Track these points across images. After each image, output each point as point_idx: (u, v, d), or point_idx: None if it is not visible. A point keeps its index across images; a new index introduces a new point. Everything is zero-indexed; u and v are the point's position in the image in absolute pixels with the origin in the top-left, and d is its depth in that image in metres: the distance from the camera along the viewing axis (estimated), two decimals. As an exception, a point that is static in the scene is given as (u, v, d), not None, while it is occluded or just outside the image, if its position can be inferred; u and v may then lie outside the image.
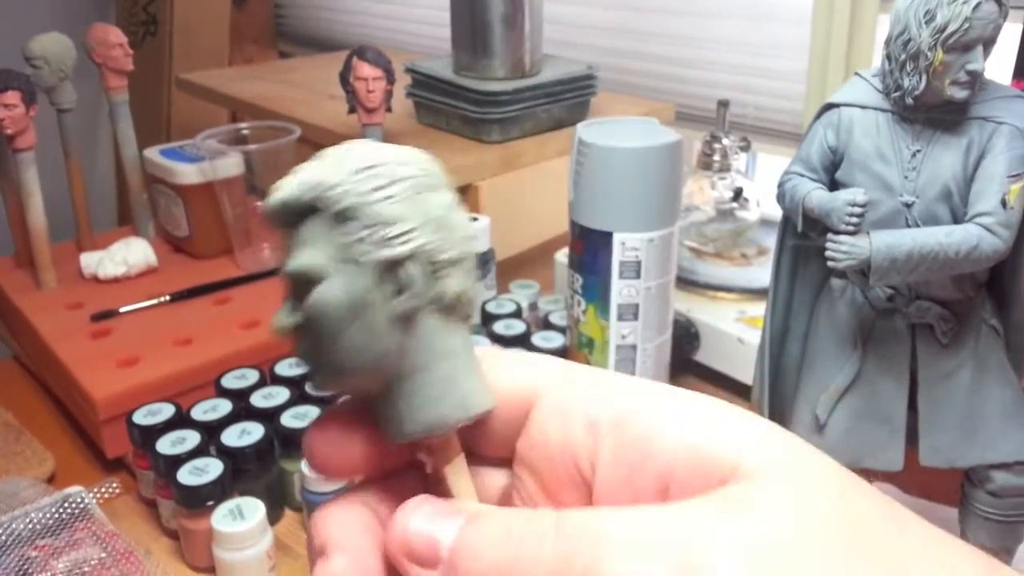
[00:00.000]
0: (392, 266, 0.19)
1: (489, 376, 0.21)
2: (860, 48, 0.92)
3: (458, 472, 0.21)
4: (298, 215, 0.20)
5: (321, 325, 0.20)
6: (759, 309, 0.79)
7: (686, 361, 0.77)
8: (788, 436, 0.19)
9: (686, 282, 0.81)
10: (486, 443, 0.22)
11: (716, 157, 0.86)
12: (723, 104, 0.85)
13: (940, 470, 0.48)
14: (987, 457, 0.47)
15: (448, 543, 0.19)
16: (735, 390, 0.76)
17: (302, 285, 0.20)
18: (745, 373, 0.72)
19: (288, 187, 0.20)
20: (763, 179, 1.12)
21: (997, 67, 0.70)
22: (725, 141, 0.85)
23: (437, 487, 0.21)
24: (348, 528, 0.21)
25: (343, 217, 0.19)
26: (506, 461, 0.22)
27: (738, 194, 0.86)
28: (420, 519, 0.19)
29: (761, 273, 0.81)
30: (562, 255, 0.87)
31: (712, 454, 0.18)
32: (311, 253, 0.19)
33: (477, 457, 0.22)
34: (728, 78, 1.06)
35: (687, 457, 0.18)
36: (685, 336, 0.76)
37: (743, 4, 1.03)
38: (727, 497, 0.17)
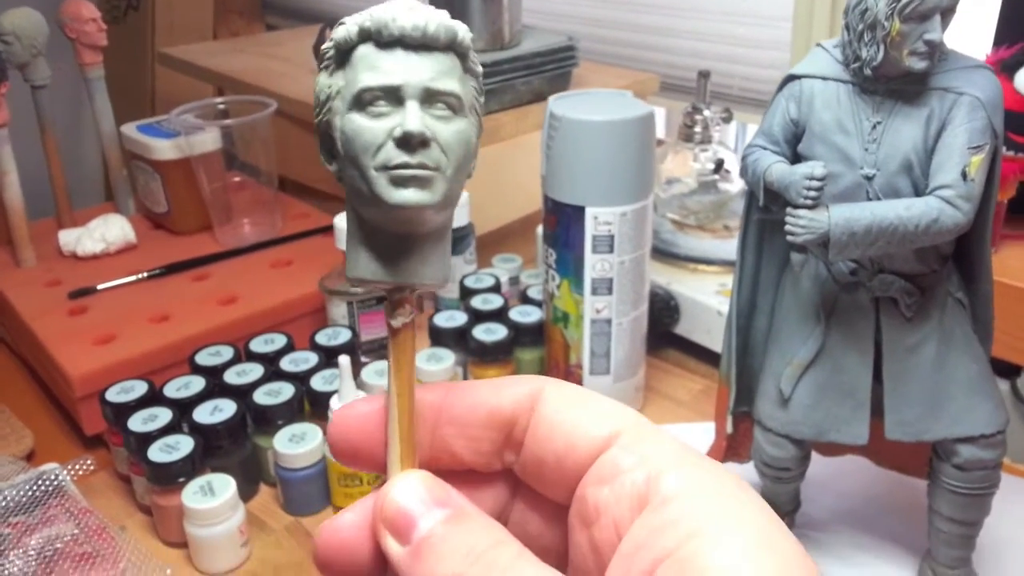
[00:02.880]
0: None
1: (568, 411, 0.22)
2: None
3: (402, 344, 0.22)
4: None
5: (461, 153, 0.21)
6: (738, 281, 0.79)
7: (665, 333, 0.77)
8: None
9: (667, 255, 0.81)
10: (548, 482, 0.22)
11: (697, 129, 0.85)
12: (703, 75, 0.84)
13: (909, 443, 0.48)
14: (953, 431, 0.47)
15: (423, 531, 0.19)
16: (713, 362, 0.75)
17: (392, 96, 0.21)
18: (722, 346, 0.72)
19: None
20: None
21: (978, 35, 0.69)
22: (706, 112, 0.85)
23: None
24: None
25: (471, 69, 0.22)
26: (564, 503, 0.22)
27: (719, 166, 0.85)
28: (410, 496, 0.20)
29: (741, 245, 0.81)
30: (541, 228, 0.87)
31: None
32: (455, 84, 0.21)
33: (534, 497, 0.23)
34: (713, 48, 1.05)
35: None
36: (665, 309, 0.76)
37: (728, -29, 1.01)
38: None
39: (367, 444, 0.22)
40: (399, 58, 0.21)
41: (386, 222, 0.22)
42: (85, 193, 0.93)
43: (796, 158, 0.47)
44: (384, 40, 0.21)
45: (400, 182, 0.21)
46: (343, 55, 0.21)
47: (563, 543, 0.22)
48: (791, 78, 0.46)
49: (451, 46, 0.21)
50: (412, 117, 0.20)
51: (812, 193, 0.42)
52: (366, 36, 0.21)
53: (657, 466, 0.19)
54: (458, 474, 0.23)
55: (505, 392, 0.22)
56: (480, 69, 0.22)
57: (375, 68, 0.20)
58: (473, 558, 0.19)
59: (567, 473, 0.21)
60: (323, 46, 0.22)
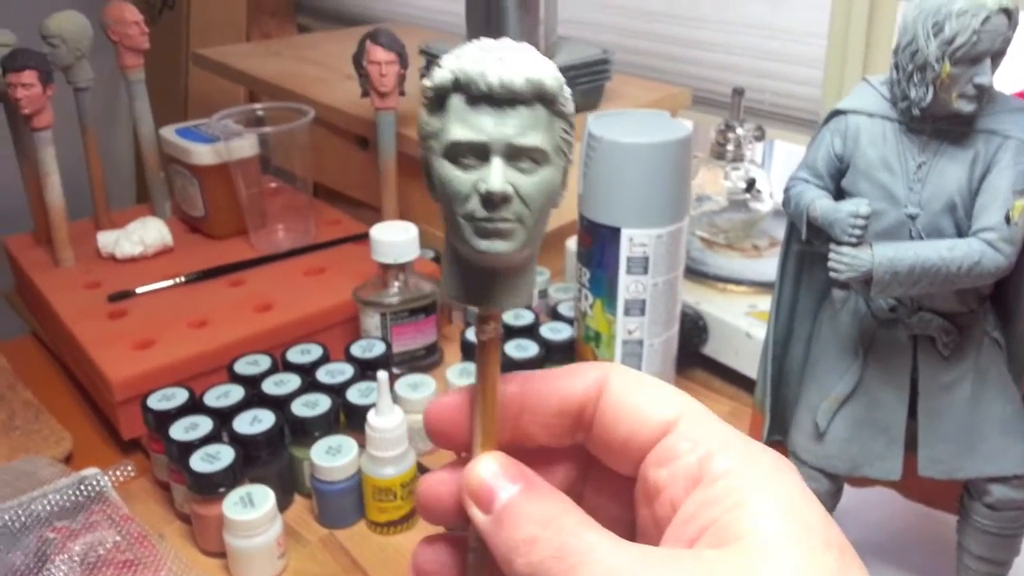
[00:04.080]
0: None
1: (630, 397, 0.25)
2: (879, 36, 0.91)
3: (488, 352, 0.25)
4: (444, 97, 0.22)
5: (540, 203, 0.23)
6: (768, 303, 0.79)
7: (694, 354, 0.78)
8: None
9: (696, 273, 0.81)
10: (617, 457, 0.25)
11: (730, 147, 0.85)
12: (738, 92, 0.84)
13: (940, 480, 0.48)
14: (985, 470, 0.47)
15: (502, 502, 0.23)
16: (741, 384, 0.76)
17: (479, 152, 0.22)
18: (752, 367, 0.72)
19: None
20: (779, 166, 1.12)
21: (1010, 74, 0.69)
22: (739, 130, 0.85)
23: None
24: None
25: (560, 111, 0.23)
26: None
27: (751, 185, 0.86)
28: (490, 473, 0.24)
29: (772, 266, 0.80)
30: (572, 242, 0.87)
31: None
32: (540, 137, 0.22)
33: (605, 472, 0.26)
34: (745, 62, 1.05)
35: None
36: (693, 329, 0.77)
37: (763, -13, 1.01)
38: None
39: (455, 429, 0.26)
40: (486, 115, 0.22)
41: (473, 259, 0.23)
42: (117, 194, 0.94)
43: (839, 193, 0.47)
44: (473, 95, 0.21)
45: (483, 234, 0.22)
46: (439, 99, 0.22)
47: (632, 515, 0.25)
48: (837, 113, 0.46)
49: (537, 97, 0.22)
50: (495, 177, 0.22)
51: (857, 231, 0.43)
52: (458, 87, 0.22)
53: (708, 449, 0.22)
54: (534, 454, 0.26)
55: (574, 381, 0.25)
56: (571, 108, 0.23)
57: (464, 123, 0.22)
58: (545, 523, 0.21)
59: (632, 453, 0.24)
60: (424, 82, 0.23)
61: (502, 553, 0.22)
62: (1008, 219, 0.42)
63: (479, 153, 0.22)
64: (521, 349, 0.71)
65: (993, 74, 0.41)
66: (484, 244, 0.22)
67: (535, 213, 0.22)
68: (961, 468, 0.47)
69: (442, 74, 0.22)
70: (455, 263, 0.24)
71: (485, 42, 0.22)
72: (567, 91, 0.23)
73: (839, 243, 0.44)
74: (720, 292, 0.79)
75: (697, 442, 0.23)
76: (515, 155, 0.22)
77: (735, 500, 0.21)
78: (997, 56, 0.41)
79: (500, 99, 0.21)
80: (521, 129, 0.22)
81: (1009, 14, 0.39)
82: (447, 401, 0.26)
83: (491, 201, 0.22)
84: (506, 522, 0.22)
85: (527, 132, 0.22)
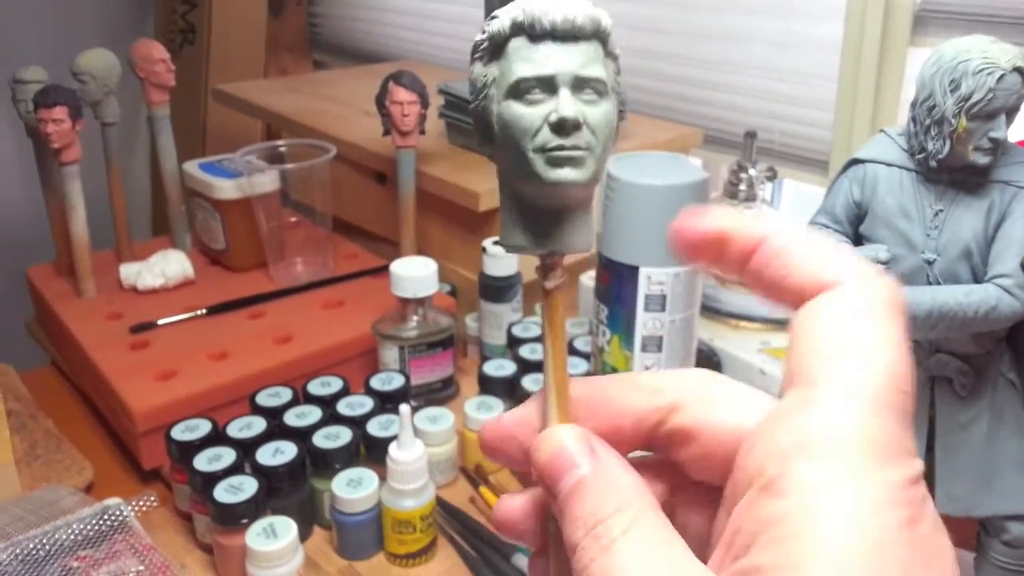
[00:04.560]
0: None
1: (721, 406, 0.23)
2: (889, 79, 0.93)
3: (555, 302, 0.25)
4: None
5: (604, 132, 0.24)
6: (782, 340, 0.80)
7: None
8: None
9: (709, 310, 0.82)
10: (701, 467, 0.24)
11: (742, 187, 0.87)
12: (750, 135, 0.86)
13: (957, 517, 0.49)
14: (1002, 508, 0.48)
15: (577, 475, 0.22)
16: (754, 420, 0.77)
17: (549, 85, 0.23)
18: (765, 404, 0.73)
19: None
20: (787, 205, 1.13)
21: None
22: (752, 171, 0.87)
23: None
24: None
25: (612, 52, 0.24)
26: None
27: (763, 224, 0.87)
28: (566, 441, 0.23)
29: (784, 303, 0.82)
30: (587, 277, 0.89)
31: None
32: (601, 69, 0.23)
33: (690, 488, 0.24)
34: (756, 103, 1.07)
35: None
36: (707, 365, 0.78)
37: (772, 30, 1.03)
38: None
39: (508, 447, 0.25)
40: (550, 49, 0.23)
41: (541, 197, 0.24)
42: (133, 226, 0.96)
43: (857, 238, 0.49)
44: (536, 33, 0.23)
45: (556, 163, 0.23)
46: (497, 47, 0.24)
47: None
48: (856, 162, 0.48)
49: (595, 34, 0.23)
50: (566, 104, 0.23)
51: (875, 277, 0.44)
52: (518, 30, 0.23)
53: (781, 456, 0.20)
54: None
55: (650, 400, 0.24)
56: (619, 52, 0.25)
57: (529, 60, 0.23)
58: (615, 500, 0.21)
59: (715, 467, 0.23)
60: (476, 39, 0.24)
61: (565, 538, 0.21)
62: (1023, 266, 0.43)
63: (546, 86, 0.23)
64: (539, 383, 0.72)
65: (1008, 128, 0.42)
66: (557, 173, 0.23)
67: (601, 142, 0.23)
68: (978, 506, 0.48)
69: (500, 22, 0.23)
70: (517, 211, 0.25)
71: None
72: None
73: (858, 287, 0.45)
74: (733, 329, 0.81)
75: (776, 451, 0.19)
76: (580, 86, 0.23)
77: (795, 530, 0.18)
78: (1012, 112, 0.42)
79: (563, 34, 0.23)
80: (584, 62, 0.23)
81: (1022, 72, 0.41)
82: (506, 418, 0.25)
83: (563, 127, 0.23)
84: (579, 492, 0.21)
85: (590, 64, 0.23)
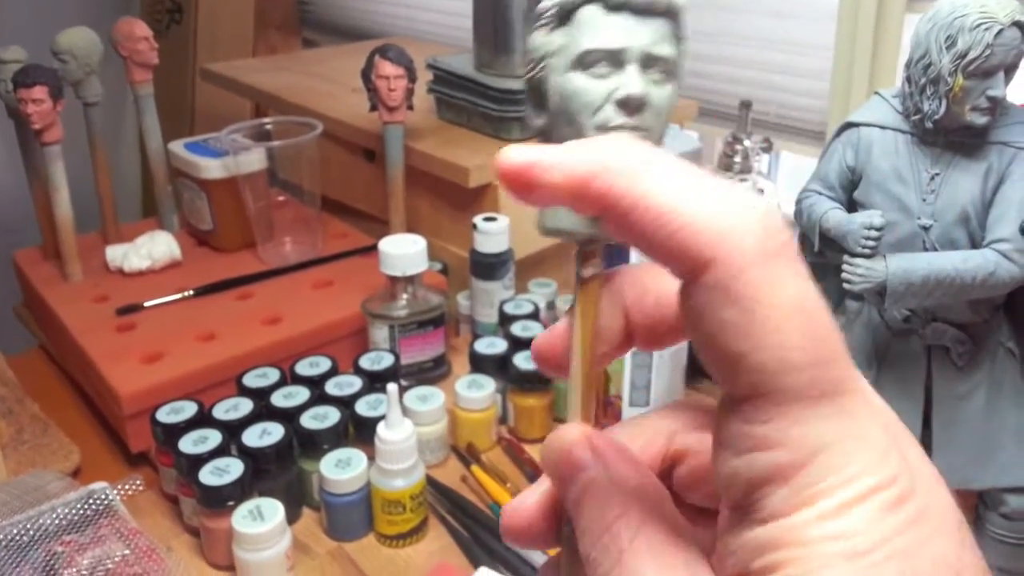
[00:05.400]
0: None
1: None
2: (886, 47, 0.91)
3: (590, 292, 0.23)
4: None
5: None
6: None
7: (704, 371, 0.78)
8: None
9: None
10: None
11: (737, 159, 0.85)
12: (745, 105, 0.85)
13: (956, 491, 0.48)
14: (1001, 480, 0.47)
15: (585, 479, 0.20)
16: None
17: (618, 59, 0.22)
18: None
19: None
20: (785, 177, 1.12)
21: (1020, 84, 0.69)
22: (747, 143, 0.85)
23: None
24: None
25: (682, 34, 0.22)
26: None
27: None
28: (579, 444, 0.21)
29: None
30: (581, 254, 0.87)
31: None
32: (671, 49, 0.22)
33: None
34: (751, 75, 1.05)
35: None
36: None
37: (767, 1, 1.01)
38: None
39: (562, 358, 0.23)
40: (622, 22, 0.21)
41: None
42: (123, 208, 0.95)
43: (851, 204, 0.47)
44: (612, 3, 0.21)
45: None
46: (566, 14, 0.22)
47: None
48: (849, 125, 0.47)
49: (669, 10, 0.22)
50: (634, 81, 0.21)
51: (871, 243, 0.43)
52: None
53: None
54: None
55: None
56: (689, 33, 0.23)
57: (598, 30, 0.21)
58: (618, 505, 0.20)
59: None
60: (543, 4, 0.22)
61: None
62: (1022, 230, 0.42)
63: (614, 60, 0.22)
64: (530, 361, 0.71)
65: (1007, 87, 0.41)
66: None
67: (661, 126, 0.22)
68: (976, 478, 0.47)
69: None
70: None
71: None
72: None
73: (853, 255, 0.44)
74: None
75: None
76: (648, 64, 0.22)
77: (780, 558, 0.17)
78: (1010, 69, 0.41)
79: (639, 7, 0.22)
80: (656, 39, 0.22)
81: (1022, 27, 0.39)
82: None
83: (628, 105, 0.22)
84: (588, 495, 0.20)
85: (660, 42, 0.22)
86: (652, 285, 0.23)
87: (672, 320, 0.22)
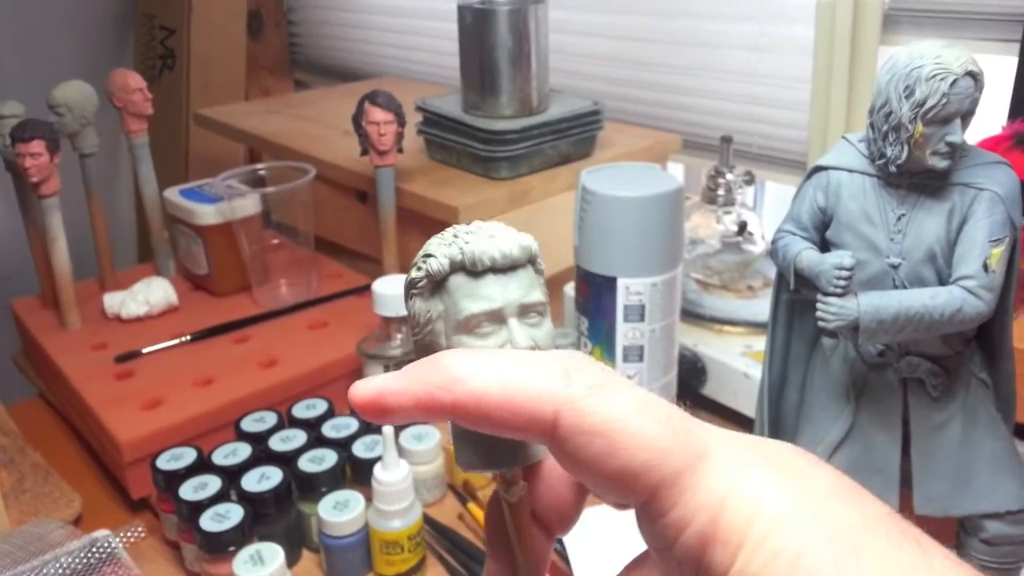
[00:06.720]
0: None
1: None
2: (862, 80, 0.93)
3: (521, 514, 0.25)
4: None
5: None
6: (764, 343, 0.80)
7: (694, 395, 0.79)
8: None
9: (692, 315, 0.83)
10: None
11: (720, 192, 0.87)
12: (726, 140, 0.87)
13: (937, 518, 0.50)
14: (979, 507, 0.48)
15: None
16: (742, 424, 0.77)
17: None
18: (750, 407, 0.73)
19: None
20: (771, 206, 1.14)
21: (992, 106, 0.71)
22: (729, 176, 0.87)
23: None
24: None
25: (540, 269, 0.24)
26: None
27: (743, 228, 0.88)
28: None
29: (766, 306, 0.82)
30: (570, 288, 0.89)
31: None
32: (539, 292, 0.24)
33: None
34: (733, 107, 1.08)
35: None
36: (692, 371, 0.78)
37: (746, 36, 1.04)
38: None
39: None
40: (494, 282, 0.23)
41: None
42: (119, 254, 0.96)
43: (824, 243, 0.49)
44: (477, 270, 0.23)
45: None
46: (437, 284, 0.24)
47: None
48: (818, 169, 0.49)
49: (529, 259, 0.24)
50: (518, 335, 0.23)
51: (842, 282, 0.45)
52: (458, 267, 0.23)
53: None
54: None
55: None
56: (543, 266, 0.25)
57: (474, 296, 0.23)
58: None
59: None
60: (412, 275, 0.24)
61: None
62: (986, 267, 0.43)
63: (495, 318, 0.23)
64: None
65: (964, 132, 0.43)
66: None
67: None
68: (956, 506, 0.49)
69: (438, 261, 0.23)
70: (470, 436, 0.24)
71: (459, 228, 0.24)
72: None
73: (826, 294, 0.45)
74: (716, 333, 0.81)
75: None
76: (524, 312, 0.24)
77: None
78: (967, 115, 0.43)
79: (502, 268, 0.23)
80: (525, 289, 0.24)
81: (975, 77, 0.41)
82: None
83: None
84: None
85: (531, 290, 0.24)
86: (555, 475, 0.25)
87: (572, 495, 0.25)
